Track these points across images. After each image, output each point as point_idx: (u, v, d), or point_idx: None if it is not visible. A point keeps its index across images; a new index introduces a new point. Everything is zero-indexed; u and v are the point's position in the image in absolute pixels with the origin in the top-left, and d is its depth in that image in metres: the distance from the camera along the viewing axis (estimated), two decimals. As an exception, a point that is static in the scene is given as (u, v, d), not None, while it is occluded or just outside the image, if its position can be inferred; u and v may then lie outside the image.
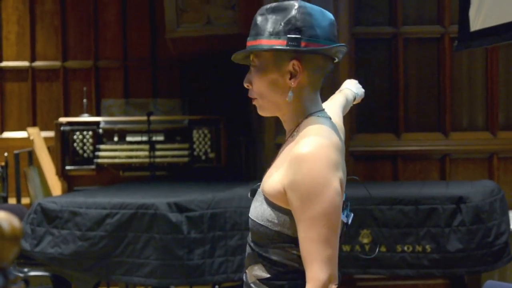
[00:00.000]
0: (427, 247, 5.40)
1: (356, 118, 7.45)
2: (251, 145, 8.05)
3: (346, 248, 5.41)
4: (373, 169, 7.50)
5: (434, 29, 7.66)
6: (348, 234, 5.38)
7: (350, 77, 7.19)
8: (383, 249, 5.43)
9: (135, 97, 9.78)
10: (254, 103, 2.25)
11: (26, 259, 5.32)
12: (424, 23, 7.70)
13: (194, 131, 8.60)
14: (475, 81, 7.71)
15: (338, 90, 2.84)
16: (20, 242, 1.26)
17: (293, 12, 2.16)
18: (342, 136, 2.39)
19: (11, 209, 6.69)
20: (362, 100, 2.99)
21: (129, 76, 10.17)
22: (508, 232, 5.55)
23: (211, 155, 8.57)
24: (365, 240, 5.43)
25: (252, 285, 2.21)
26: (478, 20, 5.51)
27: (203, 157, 8.56)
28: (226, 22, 7.58)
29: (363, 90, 2.92)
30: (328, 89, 6.94)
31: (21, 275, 5.34)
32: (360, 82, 7.71)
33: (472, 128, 7.65)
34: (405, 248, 5.42)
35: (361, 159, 7.44)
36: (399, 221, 5.45)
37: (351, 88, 2.83)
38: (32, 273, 5.44)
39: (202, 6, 7.68)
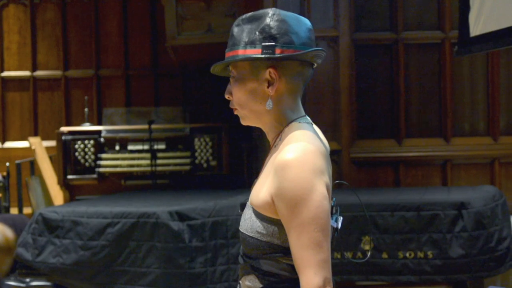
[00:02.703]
0: (429, 253, 5.39)
1: (357, 125, 7.44)
2: (253, 152, 8.04)
3: (348, 254, 5.40)
4: (374, 176, 7.49)
5: (435, 34, 7.66)
6: (348, 241, 5.38)
7: (350, 83, 7.25)
8: (385, 255, 5.42)
9: (137, 105, 9.79)
10: (236, 113, 2.26)
11: (28, 269, 5.31)
12: (425, 28, 7.70)
13: (196, 139, 8.60)
14: (476, 86, 7.71)
15: None
16: (14, 253, 1.26)
17: (267, 20, 2.17)
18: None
19: (13, 219, 6.69)
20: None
21: (130, 84, 10.18)
22: (510, 237, 5.54)
23: (213, 163, 8.57)
24: (367, 247, 5.42)
25: (245, 295, 2.21)
26: (478, 25, 5.51)
27: (205, 165, 8.56)
28: (227, 29, 7.56)
29: None
30: (329, 95, 6.97)
31: (22, 285, 5.34)
32: (361, 89, 7.72)
33: (473, 134, 7.65)
34: (407, 255, 5.41)
35: (362, 166, 7.44)
36: (401, 227, 5.44)
37: None
38: (34, 283, 5.45)
39: (203, 14, 7.68)
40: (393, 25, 7.64)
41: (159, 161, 8.31)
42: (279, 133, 2.20)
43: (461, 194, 5.84)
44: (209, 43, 7.70)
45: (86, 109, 9.42)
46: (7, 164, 8.66)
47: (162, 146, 8.60)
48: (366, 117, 7.53)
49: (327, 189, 2.07)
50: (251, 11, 2.24)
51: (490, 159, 7.54)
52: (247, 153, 8.35)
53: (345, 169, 7.11)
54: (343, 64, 7.19)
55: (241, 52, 2.16)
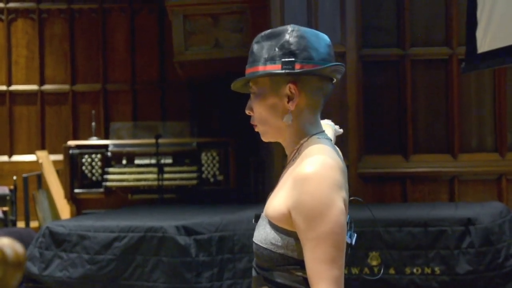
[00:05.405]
0: (436, 269, 5.38)
1: (365, 140, 7.43)
2: (260, 167, 8.04)
3: (355, 270, 5.39)
4: (382, 191, 7.48)
5: (442, 50, 7.66)
6: (356, 256, 5.36)
7: (358, 99, 7.25)
8: (392, 271, 5.40)
9: (144, 119, 9.81)
10: (256, 130, 2.27)
11: (35, 282, 5.31)
12: (432, 44, 7.70)
13: (203, 154, 8.61)
14: (483, 102, 7.69)
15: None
16: (24, 268, 1.26)
17: (287, 36, 2.19)
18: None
19: (20, 233, 6.69)
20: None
21: (137, 99, 10.21)
22: (517, 253, 5.53)
23: (220, 177, 8.57)
24: (374, 263, 5.41)
25: (258, 308, 2.21)
26: (485, 41, 5.52)
27: (212, 180, 8.56)
28: (234, 44, 7.61)
29: (337, 126, 2.91)
30: (336, 110, 6.97)
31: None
32: (368, 104, 7.69)
33: (480, 150, 7.63)
34: (414, 270, 5.40)
35: (369, 181, 7.42)
36: (408, 243, 5.43)
37: (327, 122, 2.82)
38: (41, 297, 5.44)
39: (210, 29, 7.71)
40: (400, 41, 7.65)
41: (166, 176, 8.32)
42: (298, 148, 2.21)
43: (468, 210, 5.83)
44: (216, 58, 7.72)
45: (93, 123, 9.45)
46: (14, 177, 8.68)
47: (169, 161, 8.61)
48: (373, 132, 7.52)
49: (345, 204, 2.08)
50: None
51: (498, 175, 7.52)
52: (254, 167, 8.35)
53: (353, 185, 7.09)
54: (350, 80, 7.19)
55: (261, 68, 2.18)
